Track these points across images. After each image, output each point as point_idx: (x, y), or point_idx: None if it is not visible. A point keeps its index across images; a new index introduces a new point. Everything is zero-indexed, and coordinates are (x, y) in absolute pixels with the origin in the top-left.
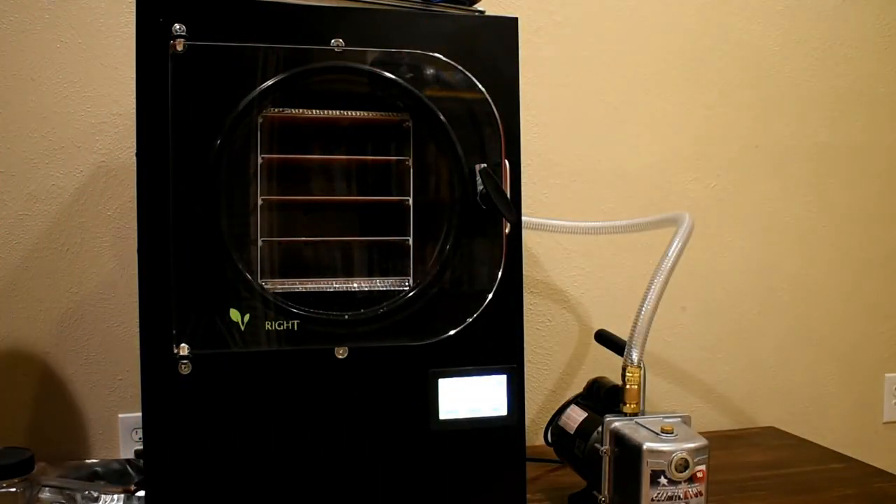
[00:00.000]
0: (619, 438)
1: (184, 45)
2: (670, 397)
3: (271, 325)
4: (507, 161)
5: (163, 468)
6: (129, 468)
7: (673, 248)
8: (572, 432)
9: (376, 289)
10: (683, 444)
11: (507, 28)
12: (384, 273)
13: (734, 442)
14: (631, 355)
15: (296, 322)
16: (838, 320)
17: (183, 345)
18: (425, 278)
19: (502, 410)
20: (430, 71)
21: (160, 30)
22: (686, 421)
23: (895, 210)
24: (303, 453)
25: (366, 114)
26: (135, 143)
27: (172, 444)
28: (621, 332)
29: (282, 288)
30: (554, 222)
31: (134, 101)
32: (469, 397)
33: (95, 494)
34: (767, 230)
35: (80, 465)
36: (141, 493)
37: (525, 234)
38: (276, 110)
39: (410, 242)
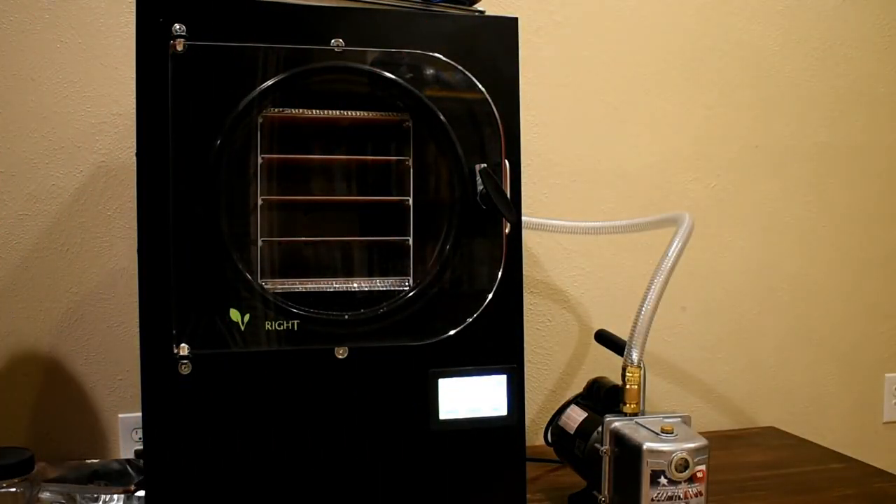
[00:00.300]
0: (619, 438)
1: (184, 45)
2: (670, 397)
3: (271, 325)
4: (507, 161)
5: (163, 468)
6: (129, 468)
7: (673, 248)
8: (572, 432)
9: (376, 289)
10: (683, 444)
11: (507, 28)
12: (384, 273)
13: (734, 442)
14: (631, 355)
15: (296, 322)
16: (838, 320)
17: (183, 345)
18: (425, 278)
19: (502, 410)
20: (430, 71)
21: (160, 30)
22: (686, 421)
23: (895, 210)
24: (303, 453)
25: (366, 114)
26: (135, 143)
27: (172, 444)
28: (621, 332)
29: (282, 288)
30: (554, 222)
31: (134, 101)
32: (469, 397)
33: (95, 494)
34: (767, 230)
35: (80, 465)
36: (141, 493)
37: (525, 234)
38: (276, 110)
39: (410, 242)
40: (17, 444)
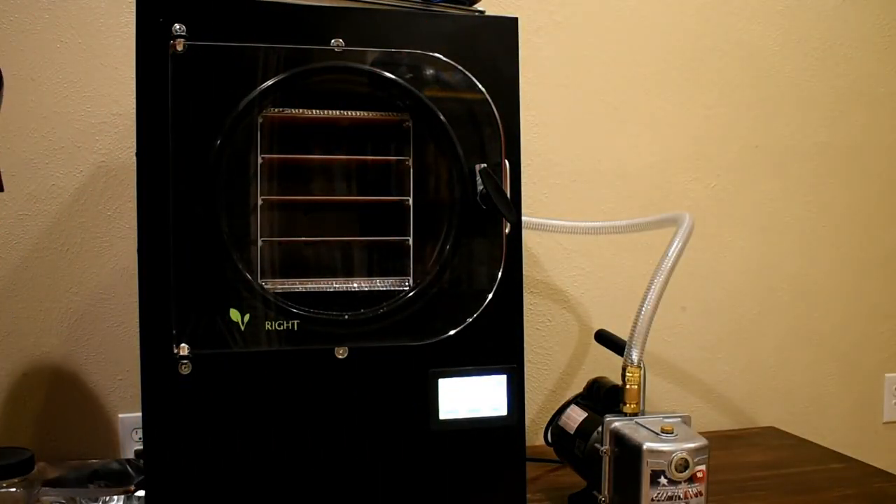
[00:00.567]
0: (619, 438)
1: (184, 45)
2: (670, 397)
3: (271, 325)
4: (507, 161)
5: (163, 468)
6: (129, 468)
7: (673, 248)
8: (572, 432)
9: (376, 289)
10: (683, 444)
11: (507, 28)
12: (384, 273)
13: (734, 442)
14: (631, 355)
15: (296, 322)
16: (838, 320)
17: (183, 345)
18: (425, 278)
19: (502, 410)
20: (430, 71)
21: (160, 30)
22: (686, 421)
23: (895, 210)
24: (303, 453)
25: (366, 114)
26: (135, 143)
27: (172, 444)
28: (621, 332)
29: (282, 288)
30: (554, 222)
31: (134, 101)
32: (469, 397)
33: (95, 494)
34: (767, 230)
35: (80, 465)
36: (141, 493)
37: (525, 234)
38: (276, 110)
39: (410, 242)
40: (16, 444)
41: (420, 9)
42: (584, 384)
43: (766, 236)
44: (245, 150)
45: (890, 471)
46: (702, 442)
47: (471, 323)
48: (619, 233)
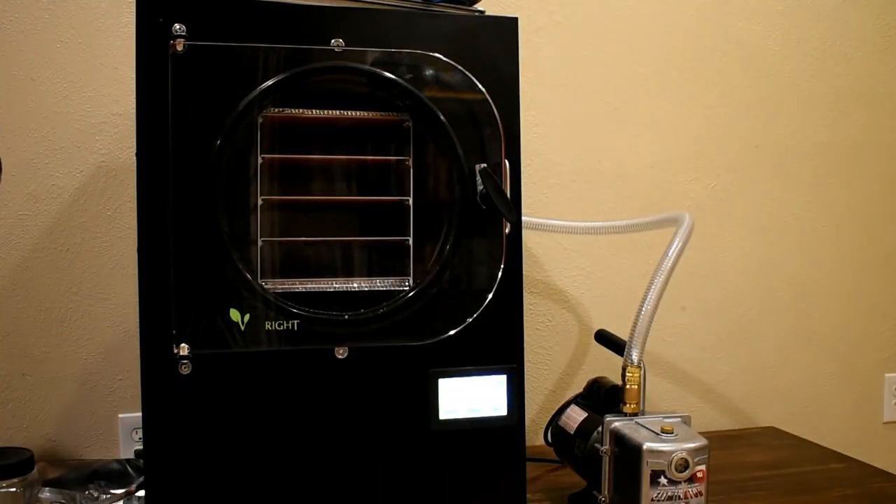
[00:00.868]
0: (619, 438)
1: (184, 45)
2: (670, 397)
3: (271, 325)
4: (507, 161)
5: (163, 468)
6: (129, 468)
7: (673, 248)
8: (572, 432)
9: (376, 289)
10: (683, 444)
11: (507, 28)
12: (384, 273)
13: (734, 442)
14: (631, 355)
15: (296, 322)
16: (838, 320)
17: (183, 345)
18: (425, 278)
19: (502, 410)
20: (429, 71)
21: (160, 30)
22: (686, 421)
23: (895, 210)
24: (303, 453)
25: (366, 114)
26: (135, 143)
27: (172, 444)
28: (621, 332)
29: (282, 288)
30: (554, 222)
31: (134, 101)
32: (469, 397)
33: (95, 494)
34: (767, 230)
35: (80, 465)
36: (141, 494)
37: (525, 234)
38: (276, 110)
39: (410, 242)
40: (16, 444)
41: (420, 9)
42: (584, 384)
43: (766, 236)
44: (245, 150)
45: (890, 471)
46: (702, 442)
47: (471, 323)
48: (619, 233)
